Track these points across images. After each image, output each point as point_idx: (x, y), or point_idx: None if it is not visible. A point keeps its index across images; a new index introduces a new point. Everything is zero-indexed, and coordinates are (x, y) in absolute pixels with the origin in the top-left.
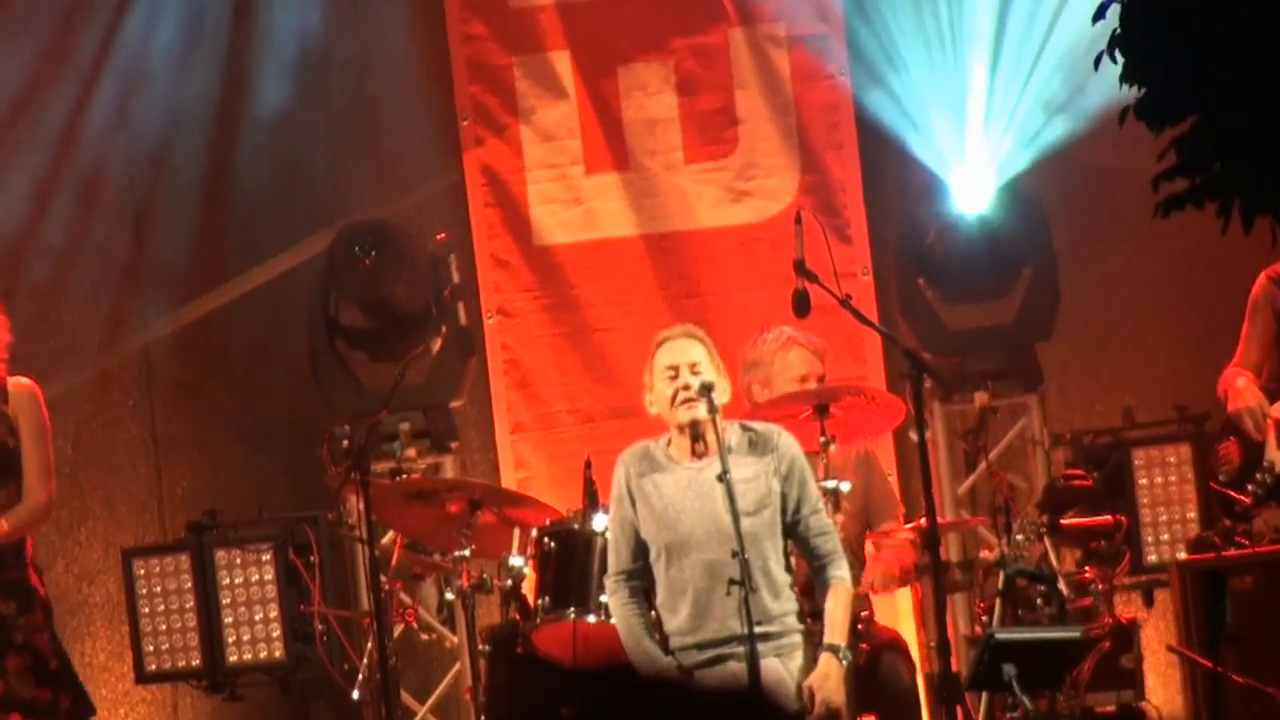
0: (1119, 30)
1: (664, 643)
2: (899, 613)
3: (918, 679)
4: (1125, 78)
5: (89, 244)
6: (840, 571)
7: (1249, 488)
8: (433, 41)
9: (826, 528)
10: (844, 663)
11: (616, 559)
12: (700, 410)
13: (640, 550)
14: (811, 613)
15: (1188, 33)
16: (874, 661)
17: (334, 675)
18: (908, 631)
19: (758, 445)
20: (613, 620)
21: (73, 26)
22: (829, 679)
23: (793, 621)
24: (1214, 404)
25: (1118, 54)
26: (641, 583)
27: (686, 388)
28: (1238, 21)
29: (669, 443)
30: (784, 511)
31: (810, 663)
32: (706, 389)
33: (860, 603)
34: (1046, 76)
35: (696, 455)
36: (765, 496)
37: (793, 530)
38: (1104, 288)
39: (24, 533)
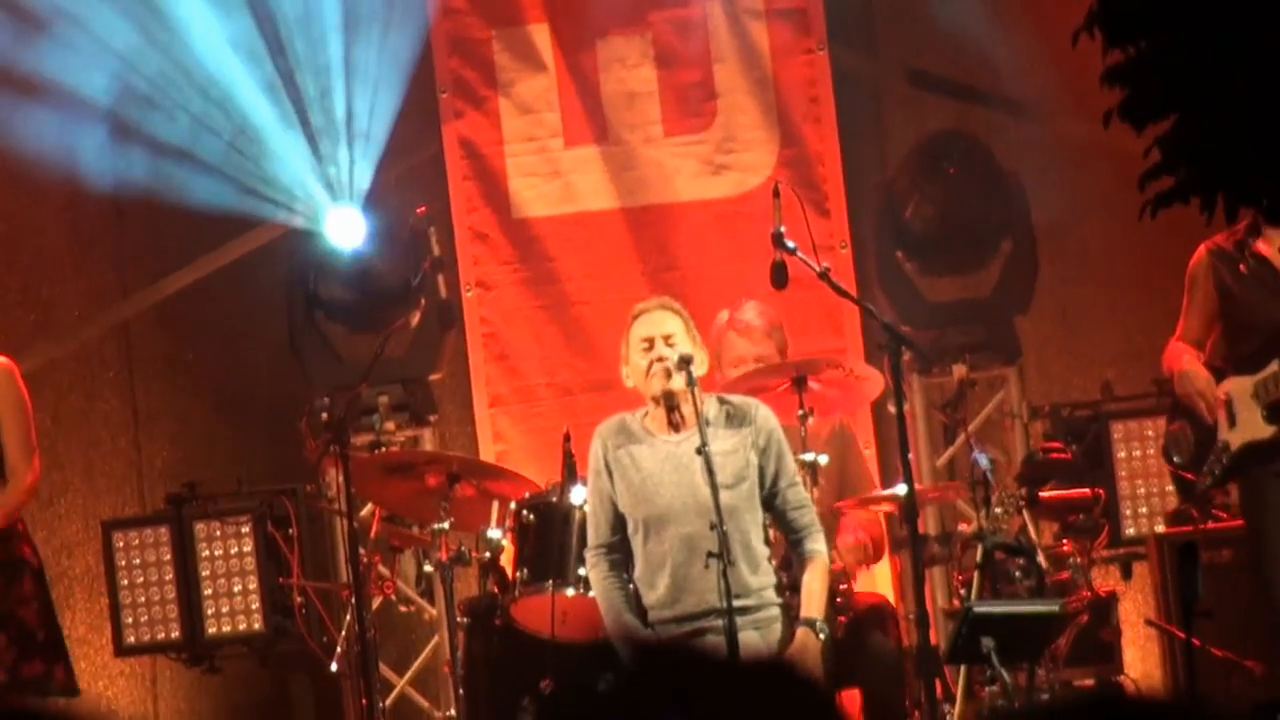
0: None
1: (643, 616)
2: (878, 585)
3: (901, 645)
4: (1107, 78)
5: (68, 216)
6: (817, 545)
7: (1205, 469)
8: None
9: (804, 501)
10: (821, 637)
11: (595, 532)
12: (675, 382)
13: (618, 523)
14: (790, 586)
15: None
16: (856, 632)
17: (313, 647)
18: None
19: (735, 418)
20: (592, 593)
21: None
22: (806, 653)
23: (771, 595)
24: None
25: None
26: (621, 556)
27: (661, 359)
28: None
29: (645, 415)
30: (761, 484)
31: (789, 636)
32: (685, 361)
33: (840, 576)
34: None
35: (673, 427)
36: (744, 469)
37: (770, 503)
38: (1082, 261)
39: (16, 516)
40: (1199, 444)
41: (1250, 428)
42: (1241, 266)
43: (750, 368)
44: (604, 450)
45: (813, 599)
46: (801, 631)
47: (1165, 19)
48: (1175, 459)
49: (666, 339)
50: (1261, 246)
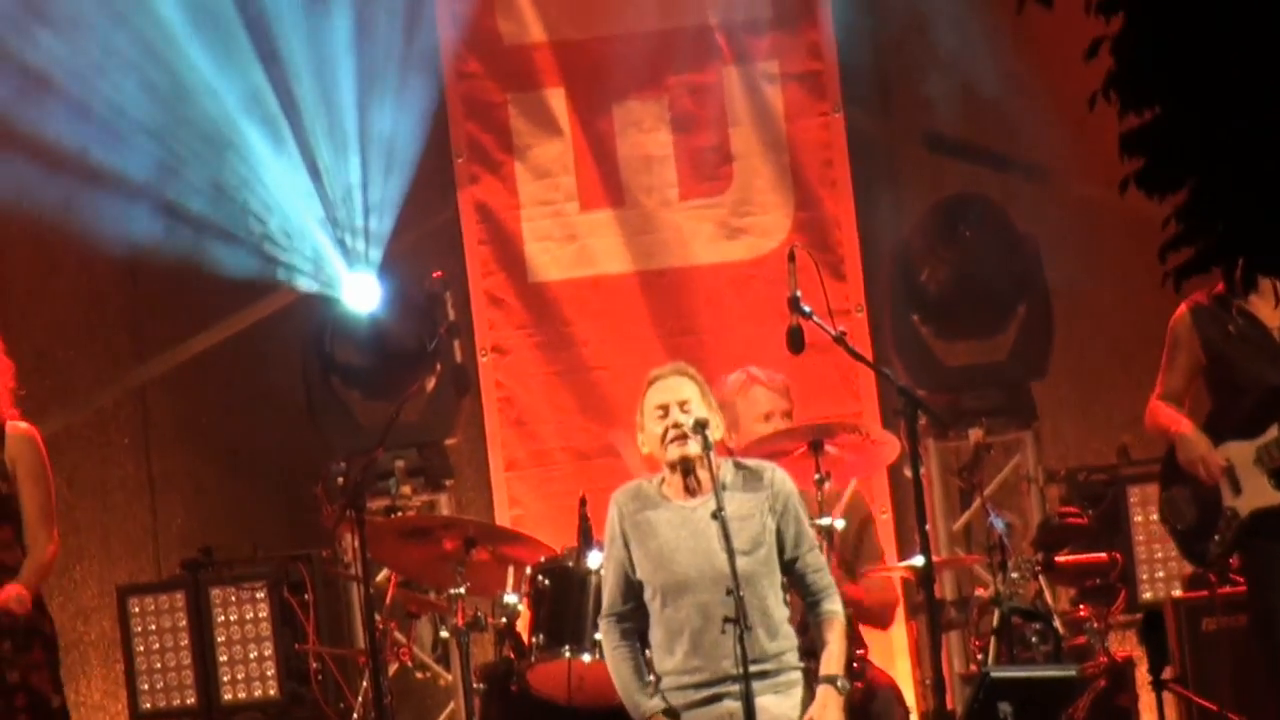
0: (1114, 69)
1: (658, 682)
2: (895, 650)
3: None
4: (1125, 149)
5: (85, 281)
6: (835, 605)
7: (1216, 537)
8: (428, 78)
9: (821, 564)
10: (842, 693)
11: (609, 600)
12: (691, 447)
13: (631, 591)
14: (807, 651)
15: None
16: (868, 700)
17: (329, 714)
18: (903, 669)
19: (751, 482)
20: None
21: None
22: (828, 709)
23: (790, 659)
24: None
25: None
26: (633, 624)
27: (676, 425)
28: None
29: (662, 481)
30: (781, 549)
31: (809, 698)
32: (700, 426)
33: (856, 641)
34: None
35: (689, 493)
36: (760, 534)
37: (790, 567)
38: (1097, 324)
39: (36, 589)
40: (1201, 509)
41: (1259, 494)
42: (1230, 328)
43: (777, 423)
44: (620, 516)
45: (832, 657)
46: (823, 689)
47: (1182, 84)
48: (1178, 526)
49: (681, 405)
50: (1252, 305)
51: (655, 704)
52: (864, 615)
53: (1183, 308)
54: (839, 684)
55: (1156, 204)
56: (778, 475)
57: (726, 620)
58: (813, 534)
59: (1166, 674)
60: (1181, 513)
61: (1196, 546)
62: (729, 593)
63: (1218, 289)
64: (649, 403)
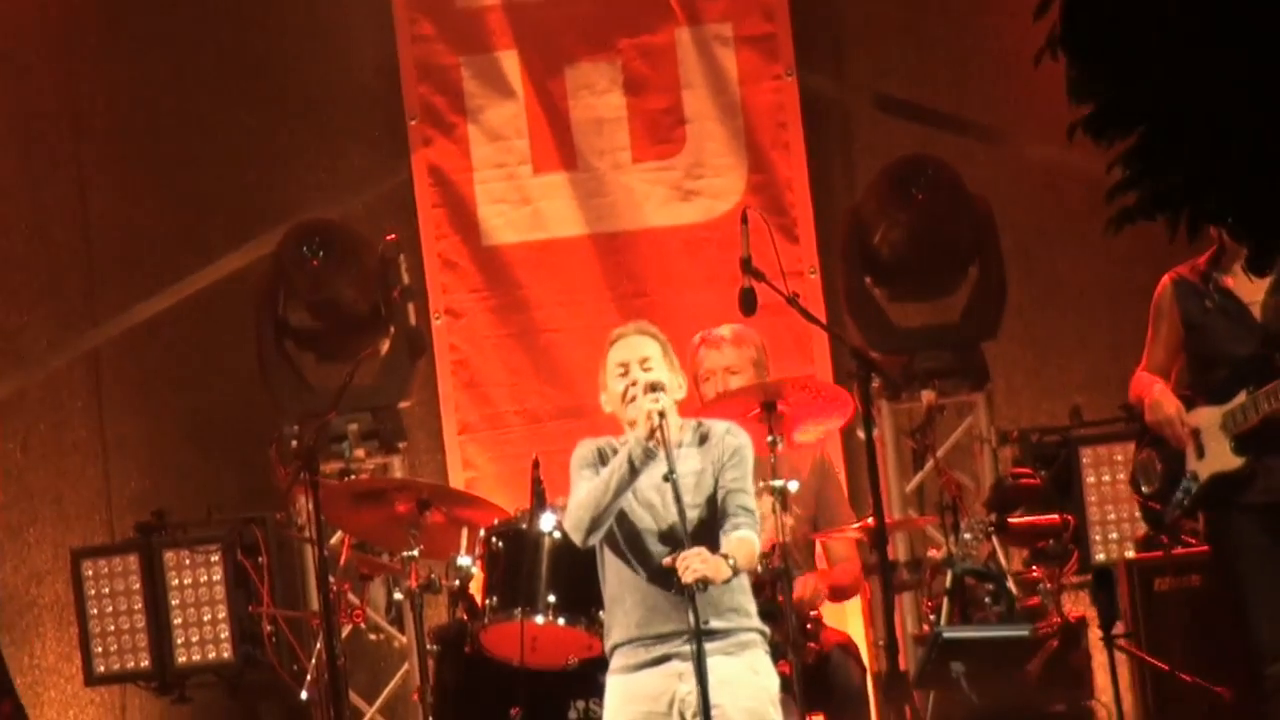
0: (1060, 27)
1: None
2: (847, 612)
3: (867, 680)
4: (1072, 94)
5: (37, 244)
6: (750, 534)
7: (1174, 499)
8: (381, 41)
9: (750, 506)
10: (730, 568)
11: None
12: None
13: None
14: (765, 611)
15: (1132, 38)
16: (823, 661)
17: (282, 676)
18: (856, 630)
19: (707, 439)
20: (561, 621)
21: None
22: (705, 557)
23: (744, 621)
24: None
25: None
26: None
27: (635, 384)
28: (1184, 29)
29: (622, 441)
30: (716, 487)
31: (764, 660)
32: (657, 386)
33: (809, 603)
34: None
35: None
36: (712, 488)
37: (719, 501)
38: (1050, 286)
39: None
40: (1168, 473)
41: (1218, 459)
42: (1207, 302)
43: (718, 382)
44: (592, 451)
45: (733, 548)
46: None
47: (1128, 38)
48: (1143, 488)
49: (642, 363)
50: (1228, 281)
51: (623, 446)
52: (836, 594)
53: (1165, 279)
54: (730, 561)
55: (1105, 159)
56: (730, 430)
57: (677, 579)
58: (751, 484)
59: (1118, 629)
60: (1150, 475)
61: (1158, 509)
62: (678, 549)
63: (1200, 261)
64: (610, 360)
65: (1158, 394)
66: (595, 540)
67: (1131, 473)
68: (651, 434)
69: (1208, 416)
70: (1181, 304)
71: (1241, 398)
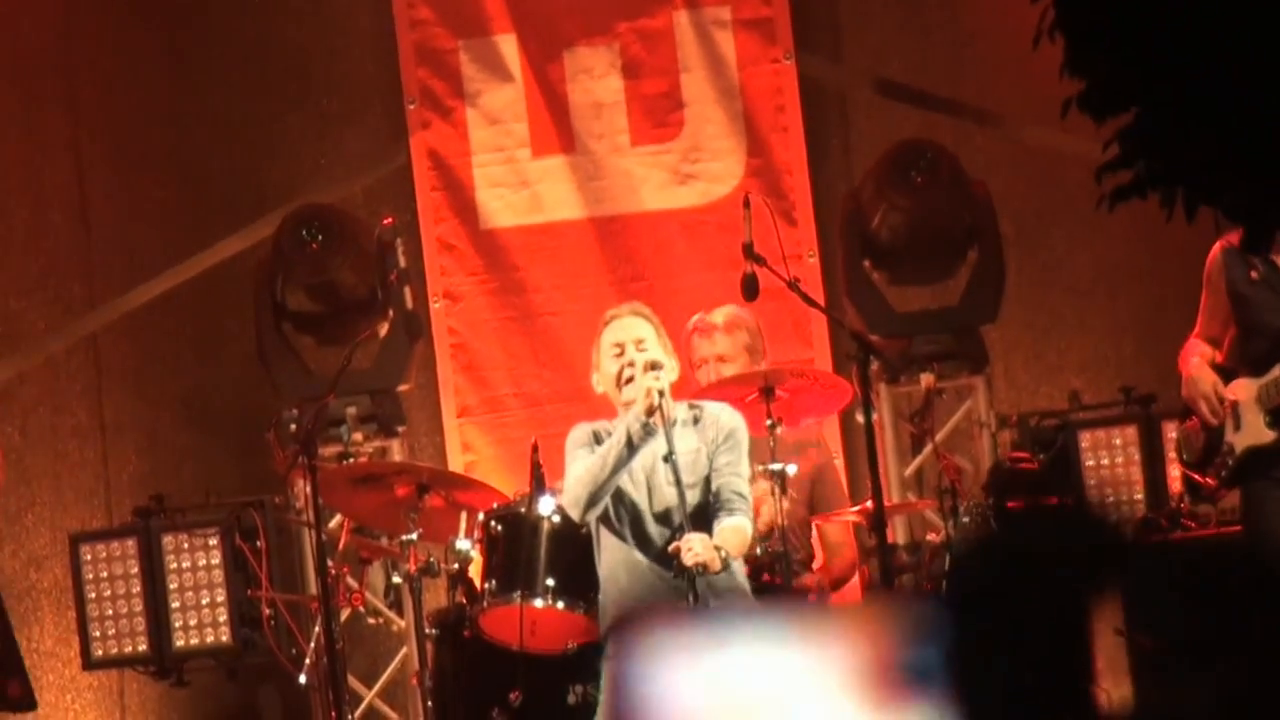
0: (1056, 9)
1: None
2: (846, 595)
3: None
4: (1068, 68)
5: (35, 229)
6: (742, 520)
7: (1213, 471)
8: (379, 25)
9: (743, 490)
10: (722, 560)
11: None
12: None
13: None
14: (758, 587)
15: (1129, 15)
16: None
17: (281, 660)
18: None
19: (702, 421)
20: (560, 605)
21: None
22: (703, 541)
23: (740, 600)
24: (1161, 386)
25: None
26: None
27: (631, 365)
28: (1179, 6)
29: (617, 423)
30: (709, 469)
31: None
32: (653, 366)
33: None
34: None
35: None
36: (707, 469)
37: (712, 484)
38: (1050, 270)
39: None
40: (1208, 444)
41: (1253, 432)
42: (1252, 273)
43: (709, 371)
44: (587, 434)
45: (722, 534)
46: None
47: (1124, 15)
48: (1185, 457)
49: (637, 344)
50: (1277, 254)
51: (619, 424)
52: (836, 585)
53: (1215, 248)
54: (724, 554)
55: (1101, 137)
56: (725, 412)
57: (677, 560)
58: (747, 466)
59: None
60: (1190, 445)
61: (1197, 480)
62: (677, 530)
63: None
64: (605, 341)
65: (1194, 368)
66: (593, 516)
67: (1177, 442)
68: (651, 412)
69: (1246, 389)
70: (1228, 273)
71: (1276, 372)
